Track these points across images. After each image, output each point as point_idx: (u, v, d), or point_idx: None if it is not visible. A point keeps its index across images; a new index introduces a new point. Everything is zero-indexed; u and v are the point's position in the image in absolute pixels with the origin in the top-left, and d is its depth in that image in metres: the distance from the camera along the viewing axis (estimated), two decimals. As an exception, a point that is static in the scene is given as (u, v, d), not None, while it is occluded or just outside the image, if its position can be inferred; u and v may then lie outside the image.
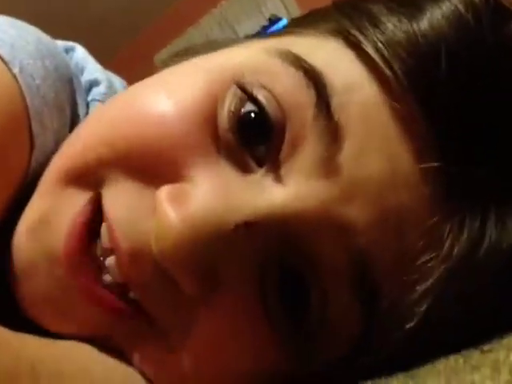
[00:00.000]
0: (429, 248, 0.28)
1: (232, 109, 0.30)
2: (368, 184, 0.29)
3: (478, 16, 0.30)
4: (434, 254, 0.28)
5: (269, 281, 0.29)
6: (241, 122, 0.30)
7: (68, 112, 0.37)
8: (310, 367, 0.30)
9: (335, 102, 0.29)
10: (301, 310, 0.29)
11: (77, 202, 0.31)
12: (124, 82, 0.46)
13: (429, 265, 0.28)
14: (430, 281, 0.28)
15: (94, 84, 0.42)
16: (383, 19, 0.31)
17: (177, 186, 0.29)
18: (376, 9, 0.32)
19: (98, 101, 0.41)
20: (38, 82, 0.34)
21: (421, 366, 0.28)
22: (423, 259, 0.28)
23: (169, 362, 0.30)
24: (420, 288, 0.28)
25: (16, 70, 0.33)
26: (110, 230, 0.29)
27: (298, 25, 0.36)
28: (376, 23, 0.31)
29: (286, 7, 2.96)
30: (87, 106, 0.41)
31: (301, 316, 0.29)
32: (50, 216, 0.31)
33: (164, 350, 0.30)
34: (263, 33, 3.01)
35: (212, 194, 0.28)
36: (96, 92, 0.41)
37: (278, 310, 0.29)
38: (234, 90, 0.30)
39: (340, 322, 0.29)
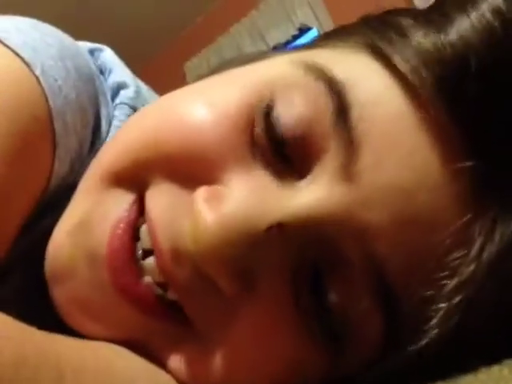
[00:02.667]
0: (458, 247, 0.28)
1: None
2: (387, 191, 0.29)
3: (505, 23, 0.30)
4: (463, 253, 0.28)
5: (301, 280, 0.30)
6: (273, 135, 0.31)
7: (90, 112, 0.38)
8: (341, 368, 0.30)
9: (356, 113, 0.30)
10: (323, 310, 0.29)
11: (121, 203, 0.32)
12: (151, 90, 0.46)
13: (457, 262, 0.28)
14: (457, 280, 0.28)
15: (122, 86, 0.42)
16: (411, 30, 0.31)
17: (213, 187, 0.30)
18: (404, 21, 0.32)
19: (126, 104, 0.41)
20: (59, 82, 0.35)
21: (460, 376, 0.27)
22: (452, 257, 0.28)
23: (205, 362, 0.30)
24: (447, 288, 0.28)
25: (38, 72, 0.34)
26: (152, 231, 0.30)
27: (327, 38, 0.37)
28: (403, 34, 0.31)
29: (316, 16, 2.96)
30: (114, 108, 0.41)
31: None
32: (92, 217, 0.32)
33: (201, 350, 0.30)
34: (293, 42, 3.03)
35: (246, 196, 0.29)
36: (124, 95, 0.41)
37: (310, 307, 0.30)
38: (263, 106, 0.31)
39: (361, 324, 0.29)
